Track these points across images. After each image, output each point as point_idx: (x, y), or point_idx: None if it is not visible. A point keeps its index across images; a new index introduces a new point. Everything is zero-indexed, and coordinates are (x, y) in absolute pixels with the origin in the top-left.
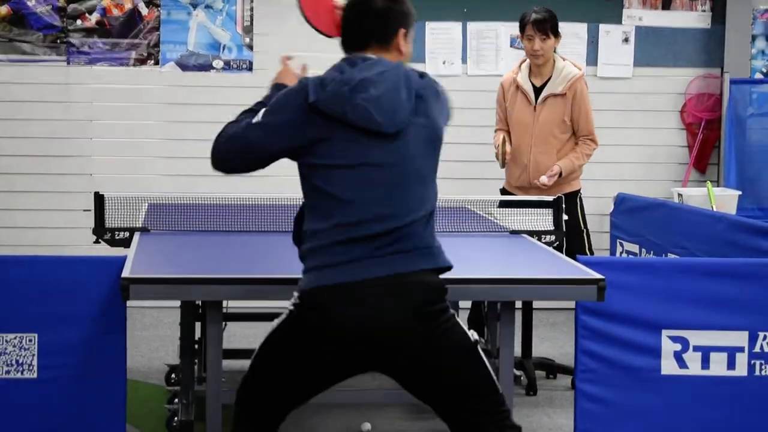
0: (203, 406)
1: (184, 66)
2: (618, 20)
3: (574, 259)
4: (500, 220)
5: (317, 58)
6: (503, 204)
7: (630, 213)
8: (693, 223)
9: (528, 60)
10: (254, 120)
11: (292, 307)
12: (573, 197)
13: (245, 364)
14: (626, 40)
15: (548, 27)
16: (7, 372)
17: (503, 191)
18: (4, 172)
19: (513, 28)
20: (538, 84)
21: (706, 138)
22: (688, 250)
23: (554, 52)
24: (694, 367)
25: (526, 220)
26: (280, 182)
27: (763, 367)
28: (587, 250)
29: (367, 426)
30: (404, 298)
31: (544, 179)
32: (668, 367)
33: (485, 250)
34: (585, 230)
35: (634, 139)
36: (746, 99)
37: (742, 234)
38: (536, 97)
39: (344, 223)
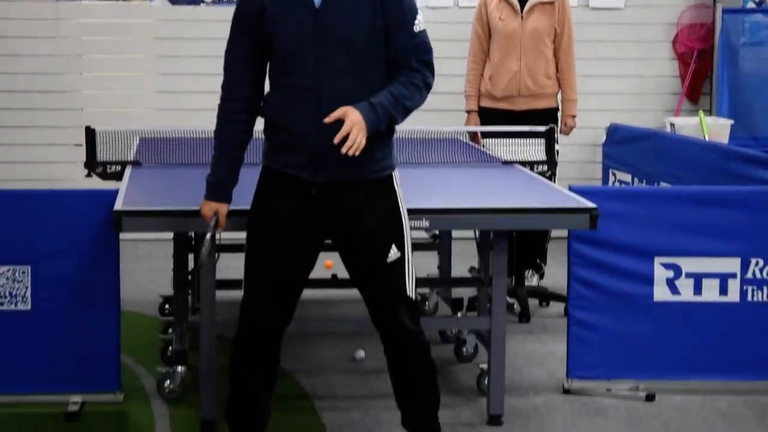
0: (197, 335)
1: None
2: None
3: None
4: (492, 150)
5: None
6: (496, 134)
7: (622, 143)
8: (685, 153)
9: None
10: None
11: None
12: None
13: (238, 294)
14: None
15: None
16: (1, 304)
17: (482, 111)
18: None
19: None
20: None
21: (699, 68)
22: (680, 179)
23: None
24: (687, 294)
25: (519, 150)
26: None
27: (755, 292)
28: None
29: (361, 354)
30: None
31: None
32: (660, 293)
33: (478, 181)
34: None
35: (626, 70)
36: (739, 28)
37: (735, 163)
38: (522, 7)
39: None
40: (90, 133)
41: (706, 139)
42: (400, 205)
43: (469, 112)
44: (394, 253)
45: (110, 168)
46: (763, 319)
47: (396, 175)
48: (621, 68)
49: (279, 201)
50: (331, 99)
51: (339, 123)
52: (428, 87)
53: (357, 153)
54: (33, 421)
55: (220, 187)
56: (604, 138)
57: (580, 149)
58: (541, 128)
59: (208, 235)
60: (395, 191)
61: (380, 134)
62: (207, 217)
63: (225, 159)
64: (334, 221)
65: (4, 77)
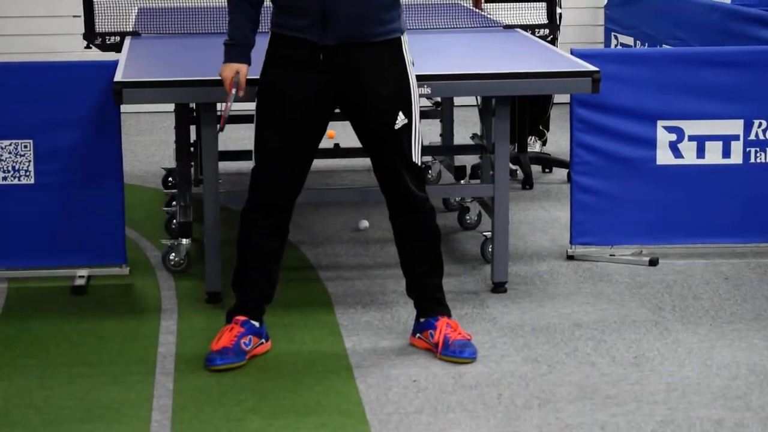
0: (201, 207)
1: None
2: None
3: None
4: (493, 14)
5: None
6: None
7: (624, 5)
8: (687, 13)
9: None
10: None
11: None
12: None
13: (241, 165)
14: None
15: None
16: (4, 178)
17: None
18: None
19: None
20: None
21: None
22: (683, 41)
23: None
24: (690, 157)
25: (520, 14)
26: None
27: (758, 154)
28: None
29: (365, 223)
30: None
31: None
32: (663, 157)
33: (479, 46)
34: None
35: None
36: None
37: (737, 22)
38: None
39: None
40: (88, 4)
41: None
42: (409, 71)
43: None
44: (401, 119)
45: (109, 39)
46: (766, 181)
47: (405, 39)
48: None
49: (288, 72)
50: None
51: None
52: None
53: None
54: (40, 295)
55: (241, 48)
56: (605, 0)
57: (581, 12)
58: None
59: (231, 98)
60: (404, 56)
61: None
62: (228, 79)
63: (243, 19)
64: (342, 89)
65: None
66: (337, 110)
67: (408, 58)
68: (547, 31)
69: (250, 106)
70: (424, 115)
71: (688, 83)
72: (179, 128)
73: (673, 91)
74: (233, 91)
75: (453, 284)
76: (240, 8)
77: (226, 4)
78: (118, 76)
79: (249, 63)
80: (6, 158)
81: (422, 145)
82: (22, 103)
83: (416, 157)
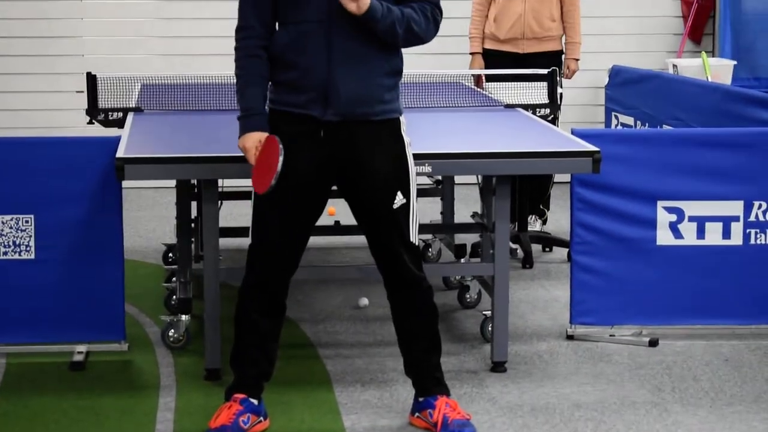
0: (201, 284)
1: None
2: None
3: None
4: (495, 93)
5: None
6: (499, 77)
7: (625, 85)
8: (688, 94)
9: None
10: None
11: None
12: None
13: (241, 242)
14: None
15: None
16: (5, 253)
17: (486, 53)
18: None
19: None
20: None
21: (701, 7)
22: (683, 121)
23: None
24: (690, 237)
25: (521, 93)
26: None
27: (758, 235)
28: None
29: (365, 301)
30: None
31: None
32: (664, 237)
33: (480, 125)
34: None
35: (628, 11)
36: None
37: (738, 104)
38: None
39: None
40: (91, 80)
41: (709, 80)
42: (407, 152)
43: (473, 54)
44: (399, 199)
45: (112, 115)
46: (766, 262)
47: (403, 120)
48: (623, 9)
49: (288, 147)
50: (341, 32)
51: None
52: (436, 22)
53: (357, 11)
54: (39, 371)
55: (260, 117)
56: (606, 80)
57: (582, 92)
58: (543, 71)
59: (280, 158)
60: (402, 137)
61: (376, 28)
62: (251, 150)
63: (256, 89)
64: (342, 166)
65: (4, 23)
66: (335, 188)
67: (406, 138)
68: (548, 110)
69: (250, 183)
70: (425, 193)
71: (689, 164)
72: (180, 204)
73: (673, 171)
74: (280, 148)
75: (452, 363)
76: (252, 80)
77: (234, 80)
78: (120, 152)
79: (268, 132)
80: (7, 233)
81: (420, 224)
82: (24, 178)
83: (413, 236)
